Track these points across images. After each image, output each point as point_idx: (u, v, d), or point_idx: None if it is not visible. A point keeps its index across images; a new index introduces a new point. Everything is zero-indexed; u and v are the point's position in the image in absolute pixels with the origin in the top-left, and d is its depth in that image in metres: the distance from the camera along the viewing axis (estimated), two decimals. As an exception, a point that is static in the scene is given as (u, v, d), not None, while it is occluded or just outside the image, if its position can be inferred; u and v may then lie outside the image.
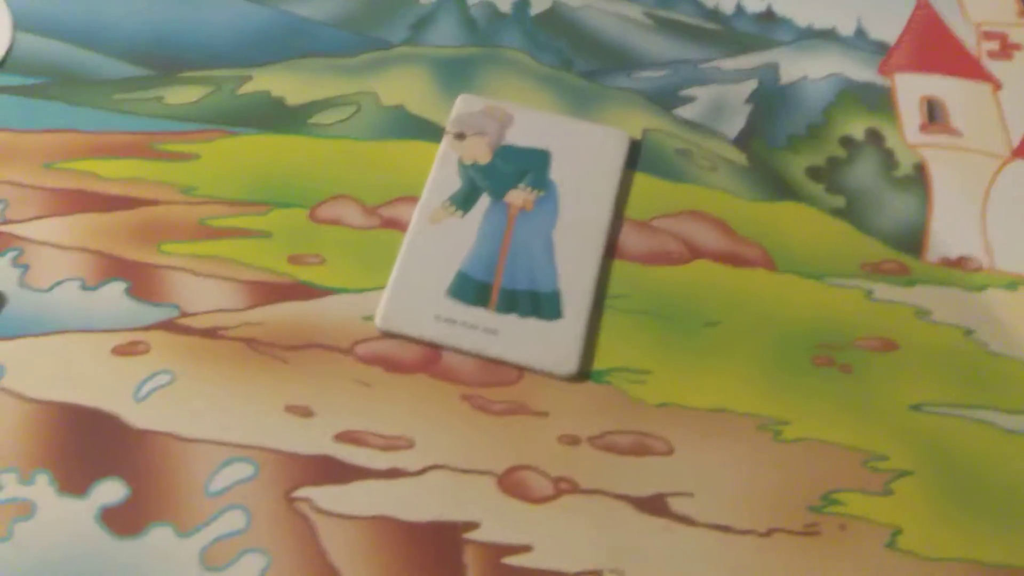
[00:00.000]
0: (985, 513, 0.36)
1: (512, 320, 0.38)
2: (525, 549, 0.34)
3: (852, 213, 0.43)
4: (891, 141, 0.46)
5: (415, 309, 0.38)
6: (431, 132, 0.44)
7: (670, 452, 0.37)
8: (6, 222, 0.40)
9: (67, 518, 0.34)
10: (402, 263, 0.40)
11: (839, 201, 0.44)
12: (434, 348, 0.38)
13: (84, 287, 0.38)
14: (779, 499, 0.36)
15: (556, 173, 0.42)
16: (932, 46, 0.50)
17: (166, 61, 0.45)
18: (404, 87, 0.46)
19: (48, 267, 0.39)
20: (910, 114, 0.47)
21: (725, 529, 0.35)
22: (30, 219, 0.40)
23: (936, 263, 0.42)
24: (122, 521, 0.34)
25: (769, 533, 0.35)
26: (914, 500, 0.36)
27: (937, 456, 0.37)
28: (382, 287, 0.39)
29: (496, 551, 0.34)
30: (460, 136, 0.43)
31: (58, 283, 0.39)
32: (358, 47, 0.47)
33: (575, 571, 0.34)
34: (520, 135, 0.44)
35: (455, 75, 0.46)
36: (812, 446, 0.37)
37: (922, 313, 0.41)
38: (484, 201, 0.41)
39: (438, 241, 0.40)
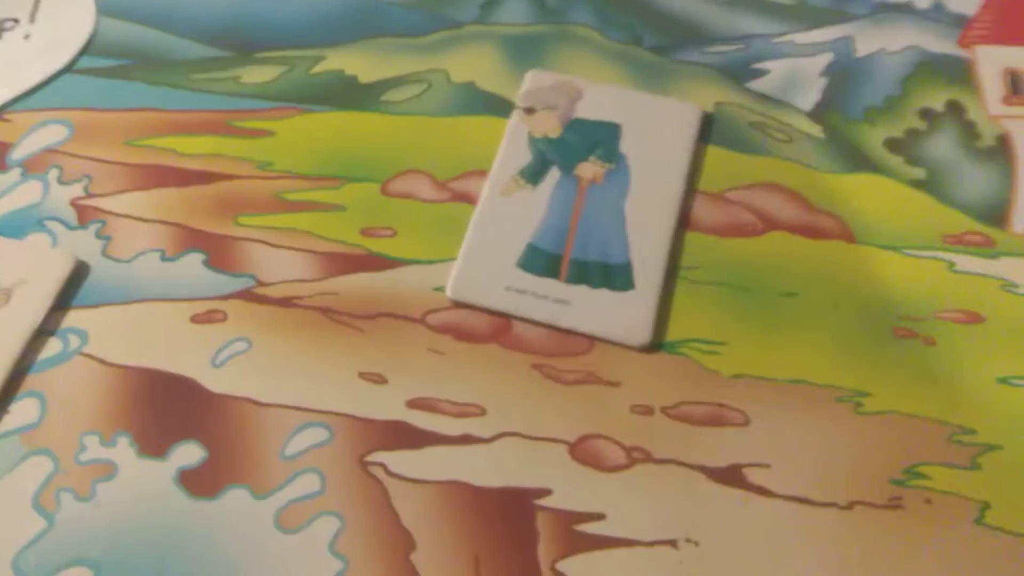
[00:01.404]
0: (1078, 487, 0.34)
1: (583, 291, 0.38)
2: (598, 517, 0.34)
3: (933, 185, 0.42)
4: (972, 113, 0.45)
5: (485, 280, 0.38)
6: (501, 108, 0.44)
7: (746, 423, 0.36)
8: (90, 196, 0.41)
9: (147, 479, 0.34)
10: (472, 235, 0.40)
11: (919, 173, 0.43)
12: (505, 318, 0.38)
13: (164, 258, 0.39)
14: (860, 472, 0.35)
15: (627, 146, 0.42)
16: (1013, 18, 0.48)
17: (242, 42, 0.46)
18: (474, 64, 0.46)
19: (129, 239, 0.40)
20: (992, 86, 0.46)
21: (804, 501, 0.34)
22: (112, 193, 0.41)
23: (1022, 234, 0.40)
24: (200, 483, 0.34)
25: (851, 506, 0.34)
26: (1003, 475, 0.35)
27: (1026, 429, 0.35)
28: (453, 259, 0.39)
29: (568, 518, 0.34)
30: (530, 110, 0.43)
31: (139, 254, 0.39)
32: (429, 26, 0.47)
33: (649, 540, 0.34)
34: (590, 109, 0.43)
35: (525, 52, 0.46)
36: (894, 419, 0.36)
37: (1008, 285, 0.39)
38: (554, 174, 0.41)
39: (508, 214, 0.40)
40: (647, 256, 0.39)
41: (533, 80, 0.44)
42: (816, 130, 0.44)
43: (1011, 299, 0.39)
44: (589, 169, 0.41)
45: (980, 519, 0.34)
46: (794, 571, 0.33)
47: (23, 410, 0.36)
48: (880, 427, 0.36)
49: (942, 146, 0.43)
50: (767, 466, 0.35)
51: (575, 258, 0.39)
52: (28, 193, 0.41)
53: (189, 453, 0.35)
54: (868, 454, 0.35)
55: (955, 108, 0.45)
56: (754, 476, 0.35)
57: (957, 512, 0.34)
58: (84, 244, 0.40)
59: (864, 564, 0.33)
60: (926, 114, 0.44)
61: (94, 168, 0.42)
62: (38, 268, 0.38)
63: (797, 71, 0.46)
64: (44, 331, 0.37)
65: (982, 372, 0.37)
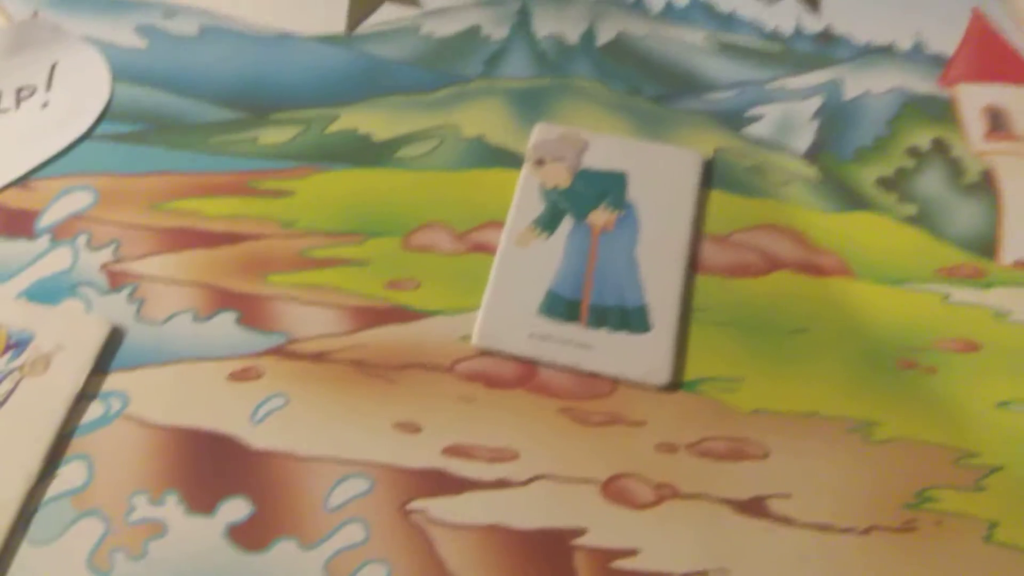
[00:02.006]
0: (1081, 504, 0.36)
1: (603, 335, 0.40)
2: (632, 553, 0.36)
3: (924, 220, 0.45)
4: (957, 150, 0.47)
5: (510, 327, 0.40)
6: (511, 160, 0.46)
7: (766, 456, 0.38)
8: (120, 260, 0.42)
9: (197, 536, 0.35)
10: (494, 284, 0.41)
11: (911, 209, 0.45)
12: (530, 364, 0.40)
13: (196, 318, 0.41)
14: (874, 497, 0.37)
15: (634, 194, 0.44)
16: (990, 57, 0.51)
17: (256, 104, 0.48)
18: (483, 119, 0.48)
19: (162, 301, 0.41)
20: (973, 123, 0.49)
21: (825, 528, 0.36)
22: (142, 257, 0.42)
23: (1011, 265, 0.43)
24: (249, 537, 0.35)
25: (868, 531, 0.36)
26: (1007, 494, 0.37)
27: (1028, 450, 0.38)
28: (476, 308, 0.41)
29: (604, 555, 0.35)
30: (540, 162, 0.45)
31: (172, 315, 0.41)
32: (436, 83, 0.49)
33: (681, 572, 0.35)
34: (597, 159, 0.45)
35: (530, 105, 0.48)
36: (903, 445, 0.38)
37: (1001, 314, 0.42)
38: (567, 223, 0.43)
39: (526, 262, 0.42)
40: (661, 299, 0.41)
41: (540, 133, 0.46)
42: (811, 172, 0.46)
43: (1004, 327, 0.41)
44: (600, 217, 0.43)
45: (989, 537, 0.36)
46: (820, 596, 0.35)
47: (71, 473, 0.37)
48: (890, 454, 0.38)
49: (931, 183, 0.46)
50: (788, 496, 0.37)
51: (594, 303, 0.41)
52: (58, 260, 0.42)
53: (236, 508, 0.36)
54: (881, 480, 0.37)
55: (941, 146, 0.47)
56: (776, 506, 0.37)
57: (967, 532, 0.36)
58: (117, 308, 0.41)
59: (885, 586, 0.35)
60: (914, 152, 0.47)
61: (121, 233, 0.43)
62: (75, 334, 0.39)
63: (790, 115, 0.48)
64: (85, 395, 0.38)
65: (981, 398, 0.39)
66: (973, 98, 0.50)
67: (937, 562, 0.35)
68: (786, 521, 0.36)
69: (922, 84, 0.50)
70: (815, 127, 0.48)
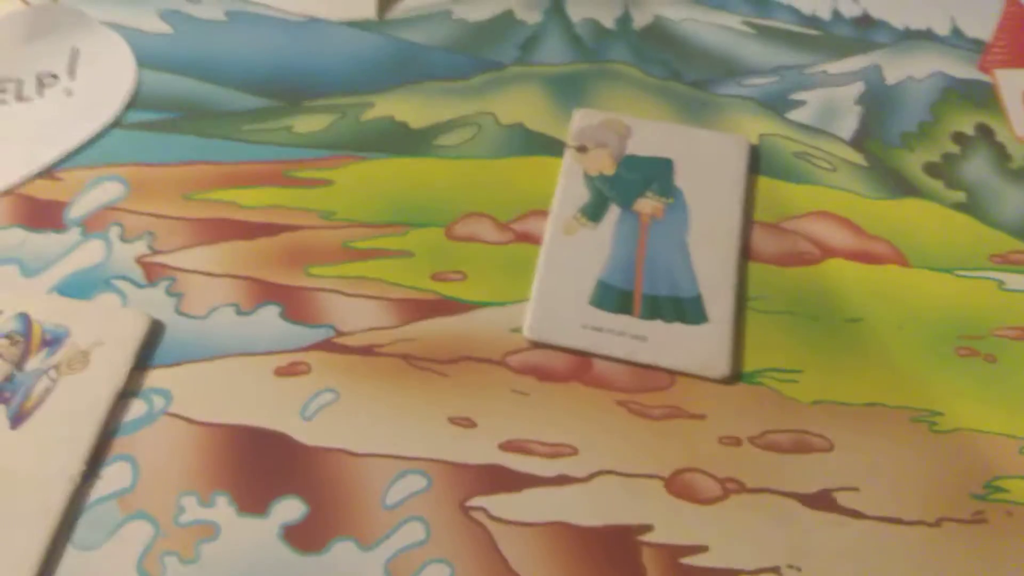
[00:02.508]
0: None
1: (658, 326, 0.39)
2: (701, 549, 0.35)
3: (974, 206, 0.44)
4: (1001, 135, 0.46)
5: (561, 319, 0.39)
6: (551, 147, 0.45)
7: (830, 448, 0.37)
8: (155, 252, 0.41)
9: (250, 538, 0.34)
10: (542, 275, 0.40)
11: (959, 196, 0.44)
12: (584, 356, 0.39)
13: (239, 312, 0.39)
14: (942, 489, 0.36)
15: (681, 180, 0.43)
16: (1030, 41, 0.51)
17: (288, 91, 0.46)
18: (520, 105, 0.46)
19: (202, 294, 0.40)
20: (1015, 108, 0.48)
21: (895, 521, 0.35)
22: (178, 249, 0.41)
23: (1064, 250, 0.42)
24: (305, 538, 0.34)
25: (938, 523, 0.35)
26: (1077, 484, 0.36)
27: (1095, 441, 0.37)
28: (524, 299, 0.40)
29: (673, 552, 0.34)
30: (582, 149, 0.44)
31: (214, 309, 0.39)
32: (470, 69, 0.48)
33: (753, 568, 0.34)
34: (641, 145, 0.44)
35: (568, 91, 0.47)
36: (967, 435, 0.37)
37: (1057, 300, 0.41)
38: (614, 211, 0.42)
39: (574, 252, 0.41)
40: (716, 288, 0.40)
41: (582, 119, 0.45)
42: (858, 158, 0.45)
43: (1061, 314, 0.40)
44: (648, 205, 0.42)
45: (1062, 529, 0.35)
46: (894, 591, 0.34)
47: (115, 474, 0.35)
48: (956, 444, 0.37)
49: (977, 168, 0.45)
50: (856, 489, 0.36)
51: (646, 293, 0.40)
52: (91, 252, 0.41)
53: (290, 508, 0.35)
54: (948, 471, 0.36)
55: (984, 131, 0.46)
56: (844, 500, 0.36)
57: (1039, 523, 0.35)
58: (155, 302, 0.39)
59: (957, 579, 0.34)
60: (959, 138, 0.46)
61: (155, 224, 0.42)
62: (113, 329, 0.38)
63: (833, 100, 0.47)
64: (126, 393, 0.37)
65: (1043, 386, 0.39)
66: (1013, 83, 0.49)
67: (1010, 553, 0.35)
68: (855, 514, 0.35)
69: (962, 69, 0.49)
70: (858, 113, 0.47)
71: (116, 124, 0.45)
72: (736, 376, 0.38)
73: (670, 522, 0.35)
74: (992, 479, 0.36)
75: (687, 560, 0.34)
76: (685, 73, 0.48)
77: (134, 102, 0.46)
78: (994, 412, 0.38)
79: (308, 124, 0.45)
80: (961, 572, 0.34)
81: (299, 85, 0.46)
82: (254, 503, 0.35)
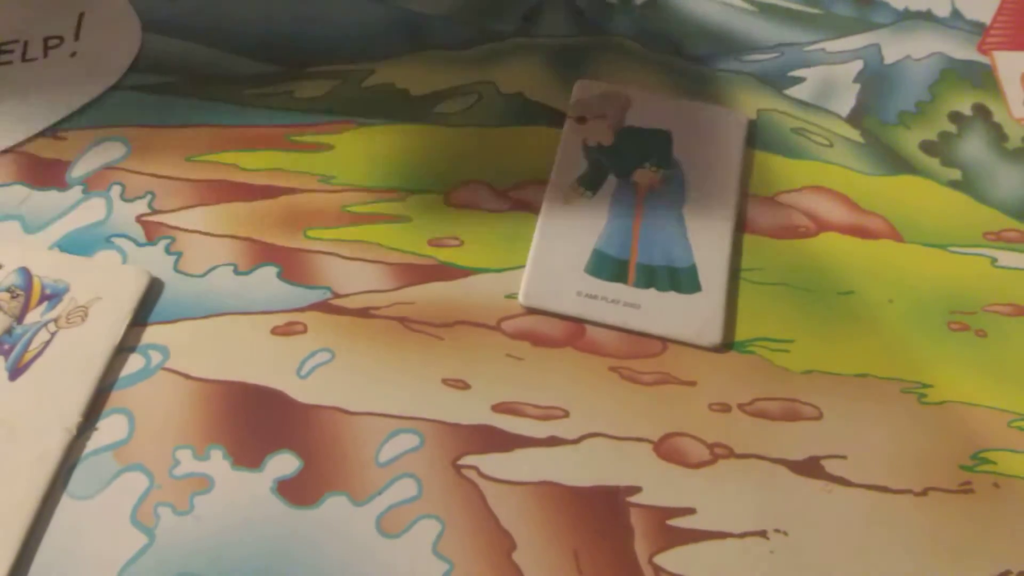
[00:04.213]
0: None
1: (652, 294, 0.39)
2: (689, 511, 0.35)
3: (969, 185, 0.44)
4: (998, 116, 0.47)
5: (556, 286, 0.39)
6: (551, 117, 0.45)
7: (820, 417, 0.37)
8: (156, 212, 0.41)
9: (244, 491, 0.34)
10: (539, 243, 0.41)
11: (955, 174, 0.44)
12: (577, 323, 0.39)
13: (237, 272, 0.40)
14: (930, 459, 0.36)
15: (679, 153, 0.43)
16: (1026, 25, 0.51)
17: (290, 57, 0.47)
18: (521, 75, 0.47)
19: (200, 254, 0.40)
20: (1013, 90, 0.48)
21: (882, 489, 0.36)
22: (178, 209, 0.41)
23: (1057, 229, 0.42)
24: (298, 492, 0.35)
25: (925, 492, 0.36)
26: (1064, 457, 0.37)
27: (1082, 415, 0.37)
28: (521, 266, 0.40)
29: (660, 513, 0.35)
30: (581, 120, 0.44)
31: (212, 268, 0.40)
32: (472, 39, 0.48)
33: (740, 532, 0.35)
34: (640, 117, 0.45)
35: (569, 63, 0.47)
36: (956, 408, 0.38)
37: (1049, 278, 0.41)
38: (611, 181, 0.42)
39: (571, 221, 0.41)
40: (710, 259, 0.40)
41: (582, 90, 0.45)
42: (855, 134, 0.45)
43: (1053, 291, 0.41)
44: (646, 176, 0.42)
45: (1047, 501, 0.36)
46: (878, 555, 0.34)
47: (112, 427, 0.36)
48: (945, 416, 0.37)
49: (974, 148, 0.45)
50: (843, 457, 0.36)
51: (641, 262, 0.40)
52: (92, 211, 0.41)
53: (284, 463, 0.35)
54: (936, 442, 0.37)
55: (982, 112, 0.47)
56: (832, 467, 0.36)
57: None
58: (155, 260, 0.40)
59: (941, 546, 0.35)
60: (956, 118, 0.46)
61: (156, 184, 0.42)
62: (113, 285, 0.38)
63: (831, 78, 0.47)
64: (124, 348, 0.37)
65: (1032, 361, 0.39)
66: (1011, 65, 0.49)
67: (997, 524, 0.35)
68: (843, 482, 0.36)
69: (960, 50, 0.49)
70: (857, 90, 0.47)
71: (119, 86, 0.45)
72: (728, 345, 0.39)
73: (658, 484, 0.35)
74: (980, 451, 0.37)
75: (674, 522, 0.35)
76: (686, 48, 0.48)
77: (138, 65, 0.46)
78: (983, 385, 0.38)
79: (309, 90, 0.45)
80: (946, 541, 0.35)
81: (301, 51, 0.47)
82: (248, 457, 0.35)
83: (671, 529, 0.35)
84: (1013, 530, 0.35)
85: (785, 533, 0.35)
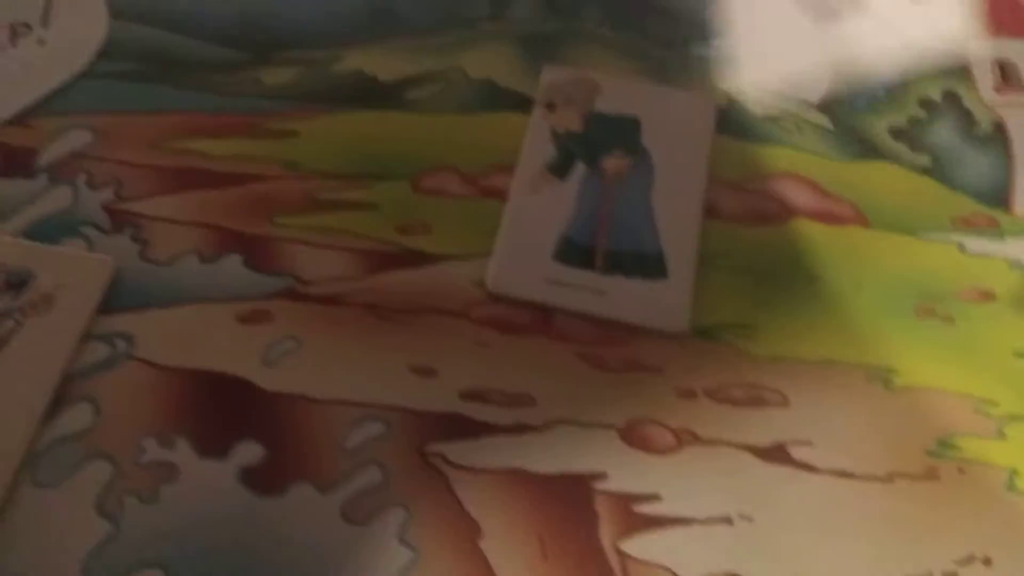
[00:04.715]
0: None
1: (619, 281, 0.39)
2: (654, 498, 0.35)
3: (938, 170, 0.44)
4: (968, 101, 0.47)
5: (524, 272, 0.39)
6: (520, 104, 0.45)
7: (786, 403, 0.37)
8: (122, 200, 0.41)
9: (210, 479, 0.34)
10: (507, 229, 0.41)
11: (924, 160, 0.45)
12: (545, 309, 0.39)
13: (203, 260, 0.39)
14: (896, 445, 0.37)
15: (648, 139, 0.43)
16: (1000, 11, 0.51)
17: (257, 43, 0.46)
18: (491, 62, 0.47)
19: (166, 242, 0.40)
20: (983, 76, 0.48)
21: (847, 475, 0.36)
22: (144, 197, 0.41)
23: (1025, 216, 0.43)
24: (263, 481, 0.35)
25: (890, 478, 0.36)
26: (1028, 442, 0.37)
27: (1046, 400, 0.38)
28: (488, 253, 0.40)
29: (626, 499, 0.35)
30: (550, 106, 0.44)
31: (177, 257, 0.39)
32: (441, 25, 0.48)
33: (704, 517, 0.35)
34: (609, 103, 0.45)
35: (538, 49, 0.47)
36: (923, 393, 0.38)
37: (1016, 264, 0.41)
38: (580, 168, 0.42)
39: (539, 207, 0.41)
40: (678, 245, 0.40)
41: (550, 75, 0.45)
42: (824, 120, 0.46)
43: (1019, 277, 0.41)
44: (613, 163, 0.42)
45: (1011, 486, 0.36)
46: (843, 541, 0.35)
47: (77, 415, 0.36)
48: (910, 402, 0.38)
49: (943, 134, 0.45)
50: (809, 443, 0.37)
51: (609, 249, 0.40)
52: (58, 199, 0.41)
53: (249, 452, 0.35)
54: (902, 428, 0.37)
55: (952, 98, 0.47)
56: (798, 453, 0.36)
57: (988, 479, 0.36)
58: (121, 248, 0.40)
59: (906, 531, 0.35)
60: (926, 104, 0.46)
61: (123, 172, 0.42)
62: (78, 273, 0.38)
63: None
64: (90, 336, 0.37)
65: (999, 347, 0.39)
66: (983, 52, 0.49)
67: (961, 509, 0.35)
68: (808, 468, 0.36)
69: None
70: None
71: (87, 74, 0.45)
72: (694, 331, 0.39)
73: (624, 471, 0.36)
74: (946, 436, 0.37)
75: (639, 507, 0.35)
76: (655, 34, 0.48)
77: (105, 53, 0.46)
78: (950, 371, 0.39)
79: (277, 76, 0.45)
80: (911, 526, 0.35)
81: (269, 37, 0.47)
82: (214, 446, 0.35)
83: (636, 515, 0.35)
84: (977, 515, 0.35)
85: (750, 519, 0.35)
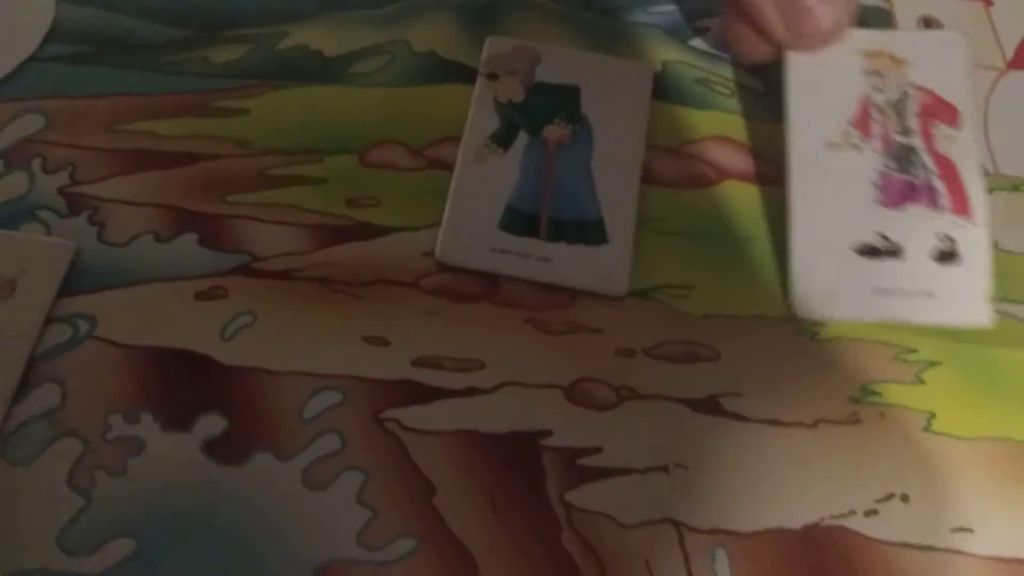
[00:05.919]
0: (1011, 395, 0.39)
1: (562, 248, 0.41)
2: (596, 451, 0.37)
3: (863, 129, 0.46)
4: (894, 60, 0.48)
5: (471, 242, 0.41)
6: (464, 75, 0.46)
7: (717, 358, 0.40)
8: (77, 184, 0.42)
9: (175, 451, 0.36)
10: (453, 200, 0.42)
11: (851, 119, 0.46)
12: (492, 277, 0.41)
13: (158, 239, 0.41)
14: (822, 393, 0.39)
15: (587, 107, 0.45)
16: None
17: (204, 22, 0.47)
18: (433, 33, 0.48)
19: (122, 223, 0.41)
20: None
21: (776, 423, 0.38)
22: (99, 180, 0.42)
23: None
24: (226, 451, 0.36)
25: (816, 424, 0.38)
26: (945, 387, 0.39)
27: (961, 346, 0.40)
28: (437, 224, 0.42)
29: (570, 454, 0.37)
30: (493, 76, 0.46)
31: (134, 238, 0.41)
32: (385, -2, 0.49)
33: (643, 467, 0.37)
34: (550, 73, 0.46)
35: (481, 19, 0.48)
36: (847, 343, 0.40)
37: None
38: (523, 138, 0.44)
39: (484, 178, 0.43)
40: (617, 211, 0.42)
41: (492, 46, 0.47)
42: (757, 83, 0.47)
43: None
44: (555, 132, 0.44)
45: (928, 427, 0.39)
46: (772, 485, 0.37)
47: (44, 395, 0.37)
48: (836, 352, 0.40)
49: (870, 92, 0.47)
50: (739, 394, 0.39)
51: (552, 217, 0.42)
52: (14, 184, 0.42)
53: (212, 424, 0.37)
54: (827, 377, 0.40)
55: (879, 56, 0.48)
56: (729, 404, 0.39)
57: (907, 422, 0.39)
58: (78, 231, 0.41)
59: (832, 474, 0.38)
60: (855, 63, 0.48)
61: (77, 155, 0.43)
62: (38, 258, 0.39)
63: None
64: (53, 319, 0.39)
65: (919, 297, 0.41)
66: (909, 9, 0.51)
67: (880, 450, 0.38)
68: (739, 418, 0.38)
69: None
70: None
71: (35, 58, 0.46)
72: (633, 293, 0.41)
73: (568, 427, 0.38)
74: (868, 383, 0.40)
75: (583, 461, 0.37)
76: (594, 2, 0.50)
77: (53, 36, 0.46)
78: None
79: (224, 54, 0.46)
80: (836, 468, 0.38)
81: (214, 16, 0.47)
82: (177, 420, 0.37)
83: (580, 468, 0.37)
84: (897, 455, 0.38)
85: (685, 467, 0.37)
